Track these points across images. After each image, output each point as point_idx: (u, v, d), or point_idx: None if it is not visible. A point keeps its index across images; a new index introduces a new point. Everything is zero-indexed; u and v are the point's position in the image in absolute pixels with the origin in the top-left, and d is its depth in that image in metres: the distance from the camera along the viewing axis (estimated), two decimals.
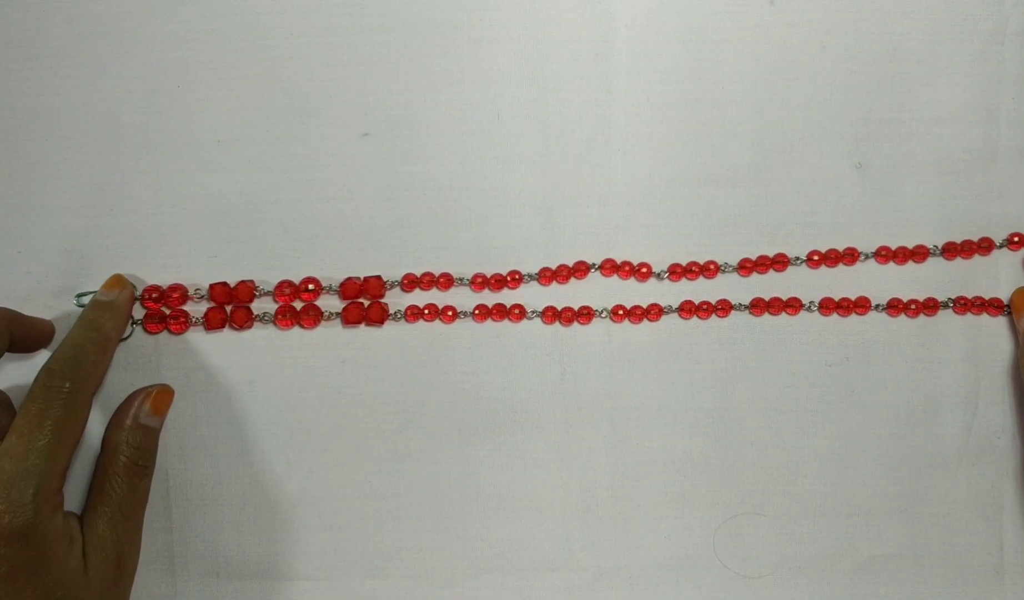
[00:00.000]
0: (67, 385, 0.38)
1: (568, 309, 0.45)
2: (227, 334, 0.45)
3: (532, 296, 0.46)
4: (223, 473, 0.45)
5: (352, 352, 0.45)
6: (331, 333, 0.45)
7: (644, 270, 0.46)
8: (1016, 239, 0.46)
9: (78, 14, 0.44)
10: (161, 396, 0.43)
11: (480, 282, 0.45)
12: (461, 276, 0.45)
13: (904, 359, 0.47)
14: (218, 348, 0.45)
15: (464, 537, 0.46)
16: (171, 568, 0.45)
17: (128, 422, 0.42)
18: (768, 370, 0.46)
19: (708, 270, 0.46)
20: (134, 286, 0.44)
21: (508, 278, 0.45)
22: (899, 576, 0.46)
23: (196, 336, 0.45)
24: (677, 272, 0.46)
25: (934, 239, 0.46)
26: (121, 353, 0.45)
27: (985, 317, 0.47)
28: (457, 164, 0.45)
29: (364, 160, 0.45)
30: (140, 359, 0.45)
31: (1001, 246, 0.46)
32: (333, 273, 0.45)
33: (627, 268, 0.45)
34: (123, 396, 0.44)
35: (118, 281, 0.43)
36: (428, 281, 0.45)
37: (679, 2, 0.45)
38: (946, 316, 0.46)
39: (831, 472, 0.46)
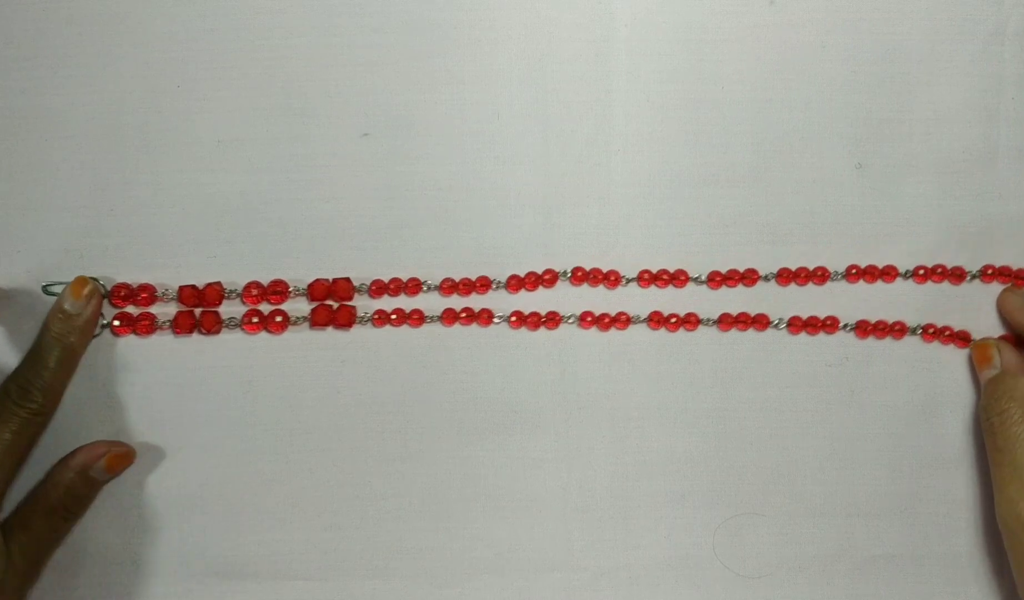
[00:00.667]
0: (34, 405, 0.40)
1: (535, 314, 0.45)
2: (226, 335, 0.45)
3: (527, 300, 0.46)
4: (223, 473, 0.45)
5: (352, 352, 0.45)
6: (330, 333, 0.45)
7: (613, 278, 0.45)
8: (990, 271, 0.46)
9: (78, 14, 0.44)
10: (121, 458, 0.43)
11: (448, 286, 0.45)
12: (428, 282, 0.45)
13: (904, 359, 0.47)
14: (218, 349, 0.45)
15: (464, 537, 0.46)
16: (171, 568, 0.45)
17: (76, 467, 0.42)
18: (768, 370, 0.46)
19: (678, 279, 0.46)
20: (103, 289, 0.44)
21: (477, 283, 0.45)
22: (899, 576, 0.46)
23: (195, 337, 0.45)
24: (665, 278, 0.46)
25: (934, 239, 0.46)
26: (122, 353, 0.45)
27: (985, 317, 0.47)
28: (457, 164, 0.45)
29: (364, 160, 0.45)
30: (140, 359, 0.45)
31: (973, 278, 0.46)
32: (332, 273, 0.45)
33: (597, 276, 0.46)
34: (123, 396, 0.45)
35: (83, 284, 0.42)
36: (396, 287, 0.45)
37: (679, 2, 0.45)
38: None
39: (831, 472, 0.46)
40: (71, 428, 0.45)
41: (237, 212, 0.45)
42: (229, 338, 0.45)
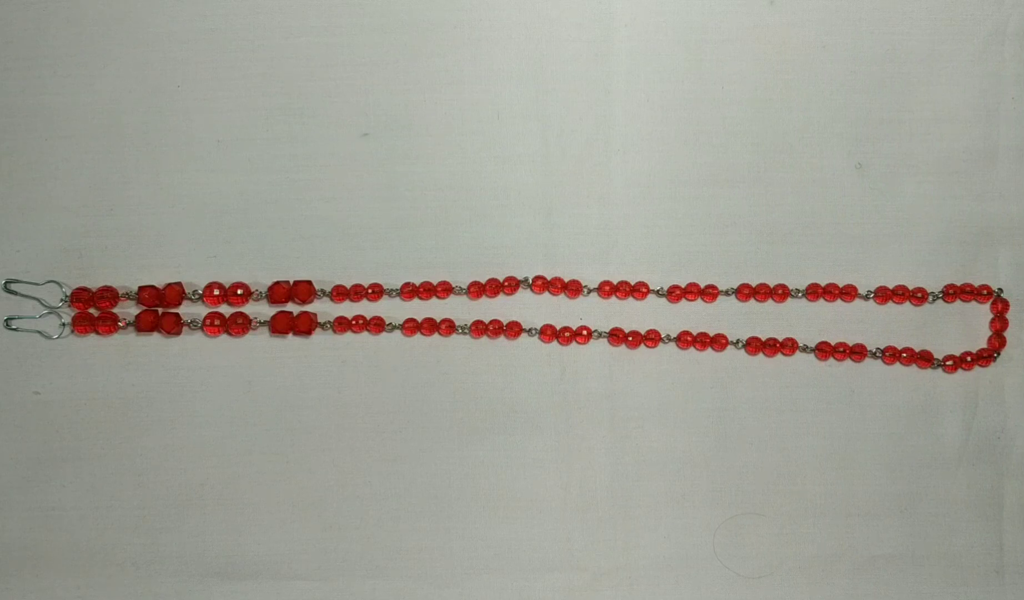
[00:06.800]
0: None
1: (484, 322, 0.45)
2: (226, 335, 0.45)
3: (523, 306, 0.46)
4: (223, 473, 0.45)
5: (352, 352, 0.45)
6: (330, 333, 0.45)
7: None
8: (951, 291, 0.46)
9: (78, 14, 0.44)
10: None
11: (409, 291, 0.45)
12: (391, 288, 0.45)
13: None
14: (217, 349, 0.45)
15: (464, 537, 0.46)
16: (171, 568, 0.45)
17: None
18: (768, 370, 0.46)
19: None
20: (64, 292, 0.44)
21: (438, 288, 0.45)
22: (899, 576, 0.46)
23: (195, 337, 0.45)
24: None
25: (934, 239, 0.46)
26: (121, 353, 0.45)
27: (985, 318, 0.47)
28: (457, 164, 0.45)
29: (364, 160, 0.45)
30: (140, 359, 0.45)
31: (935, 300, 0.46)
32: (332, 273, 0.45)
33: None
34: (124, 396, 0.45)
35: None
36: (358, 292, 0.45)
37: (679, 2, 0.45)
38: (945, 313, 0.46)
39: (831, 472, 0.46)
40: (71, 427, 0.45)
41: (237, 212, 0.45)
42: (228, 338, 0.45)
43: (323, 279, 0.45)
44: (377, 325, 0.45)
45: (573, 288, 0.45)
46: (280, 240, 0.45)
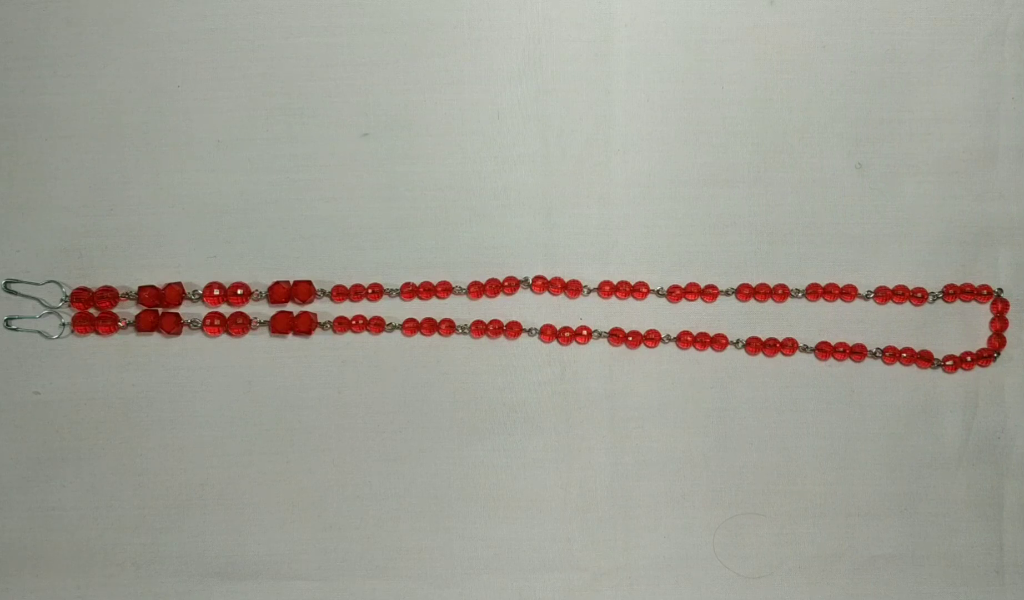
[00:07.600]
0: None
1: (484, 322, 0.45)
2: (226, 335, 0.45)
3: (523, 306, 0.46)
4: (223, 473, 0.45)
5: (352, 352, 0.45)
6: (330, 333, 0.45)
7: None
8: (951, 291, 0.46)
9: (78, 14, 0.44)
10: None
11: (409, 291, 0.45)
12: (392, 288, 0.45)
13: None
14: (217, 349, 0.45)
15: (464, 537, 0.46)
16: (171, 568, 0.45)
17: None
18: (768, 370, 0.46)
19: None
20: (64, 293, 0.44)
21: (438, 288, 0.45)
22: (899, 576, 0.46)
23: (195, 337, 0.45)
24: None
25: (934, 239, 0.46)
26: (121, 353, 0.45)
27: (985, 318, 0.47)
28: (457, 164, 0.45)
29: (364, 160, 0.45)
30: (140, 359, 0.45)
31: (935, 300, 0.46)
32: (332, 273, 0.45)
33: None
34: (124, 396, 0.45)
35: None
36: (358, 292, 0.45)
37: (679, 2, 0.45)
38: (945, 313, 0.46)
39: (831, 472, 0.46)
40: (71, 427, 0.45)
41: (237, 212, 0.45)
42: (229, 338, 0.45)
43: (323, 279, 0.45)
44: (377, 325, 0.45)
45: (573, 288, 0.45)
46: (280, 240, 0.45)
